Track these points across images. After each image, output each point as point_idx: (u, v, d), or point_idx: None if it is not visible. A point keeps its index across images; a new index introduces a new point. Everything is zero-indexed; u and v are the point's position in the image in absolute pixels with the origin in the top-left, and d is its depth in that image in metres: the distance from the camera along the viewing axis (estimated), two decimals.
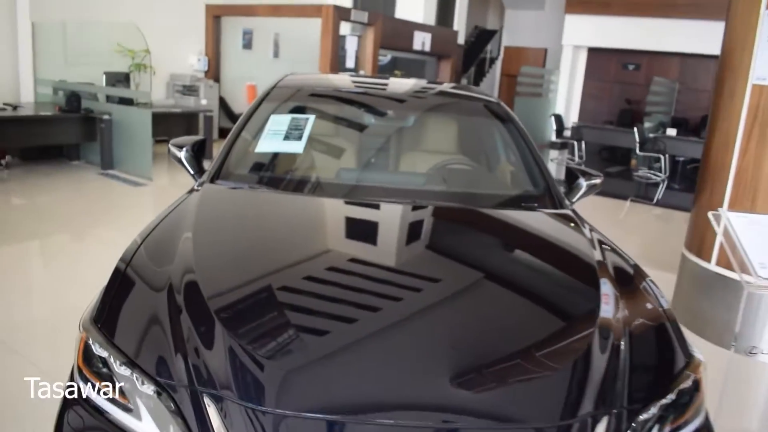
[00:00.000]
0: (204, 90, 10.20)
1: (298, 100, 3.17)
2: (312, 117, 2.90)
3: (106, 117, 7.64)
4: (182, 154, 2.81)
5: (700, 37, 12.13)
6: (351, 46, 10.44)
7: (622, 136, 11.93)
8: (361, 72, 10.68)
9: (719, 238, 3.18)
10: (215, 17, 10.96)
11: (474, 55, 17.76)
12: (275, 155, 2.84)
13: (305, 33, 11.37)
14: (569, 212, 2.54)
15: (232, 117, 11.23)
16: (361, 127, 3.25)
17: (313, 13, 9.87)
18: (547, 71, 14.60)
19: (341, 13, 9.76)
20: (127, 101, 7.95)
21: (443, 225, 2.45)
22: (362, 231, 2.34)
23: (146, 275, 1.80)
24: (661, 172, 11.06)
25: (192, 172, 2.80)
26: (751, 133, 3.68)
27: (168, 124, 8.62)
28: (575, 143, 12.08)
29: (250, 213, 2.36)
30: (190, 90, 10.21)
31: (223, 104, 11.06)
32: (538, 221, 2.49)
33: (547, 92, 14.39)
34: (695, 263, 4.08)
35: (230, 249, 2.00)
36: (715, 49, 12.99)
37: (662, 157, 11.01)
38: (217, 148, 3.98)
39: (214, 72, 11.02)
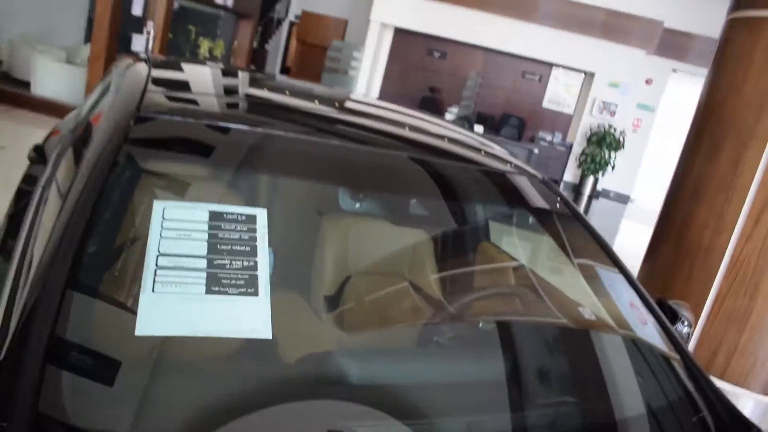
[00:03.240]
0: None
1: (226, 148, 1.53)
2: (263, 213, 1.27)
3: None
4: None
5: (507, 34, 12.04)
6: None
7: None
8: (150, 24, 8.48)
9: None
10: None
11: (261, 14, 15.95)
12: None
13: None
14: None
15: None
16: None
17: None
18: (347, 45, 13.53)
19: None
20: None
21: None
22: None
23: None
24: None
25: None
26: (761, 216, 2.99)
27: None
28: None
29: None
30: None
31: None
32: None
33: (348, 69, 13.37)
34: None
35: None
36: (517, 48, 13.06)
37: None
38: None
39: None
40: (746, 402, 3.13)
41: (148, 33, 8.51)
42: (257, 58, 15.90)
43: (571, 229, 1.92)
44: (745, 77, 3.06)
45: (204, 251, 1.16)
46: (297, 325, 1.58)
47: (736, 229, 3.06)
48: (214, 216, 1.22)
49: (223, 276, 1.13)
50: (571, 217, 1.91)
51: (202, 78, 2.14)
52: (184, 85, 1.98)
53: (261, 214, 1.26)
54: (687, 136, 3.46)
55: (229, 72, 2.63)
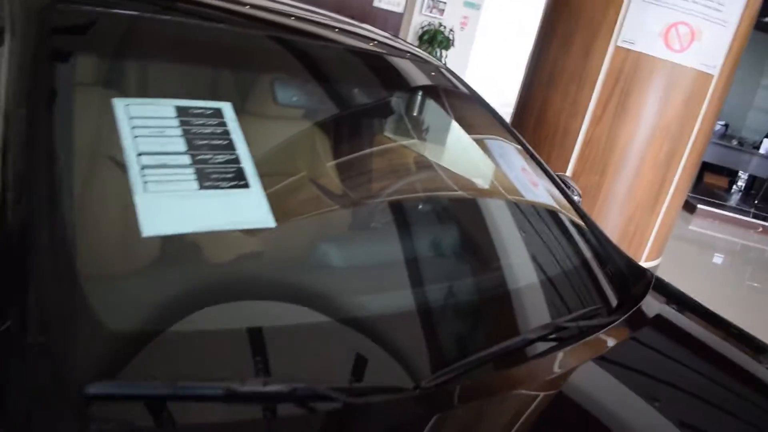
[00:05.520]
0: None
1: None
2: (227, 106, 1.23)
3: None
4: None
5: None
6: None
7: None
8: None
9: None
10: None
11: None
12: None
13: None
14: None
15: None
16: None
17: None
18: None
19: None
20: None
21: None
22: None
23: None
24: None
25: None
26: (609, 100, 3.35)
27: None
28: None
29: None
30: None
31: None
32: None
33: None
34: None
35: None
36: None
37: None
38: None
39: None
40: None
41: None
42: None
43: (470, 110, 2.05)
44: None
45: (183, 147, 1.12)
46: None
47: (587, 114, 3.41)
48: (182, 111, 1.18)
49: (210, 171, 1.11)
50: (470, 99, 2.03)
51: None
52: None
53: (226, 108, 1.24)
54: (539, 28, 3.73)
55: None
